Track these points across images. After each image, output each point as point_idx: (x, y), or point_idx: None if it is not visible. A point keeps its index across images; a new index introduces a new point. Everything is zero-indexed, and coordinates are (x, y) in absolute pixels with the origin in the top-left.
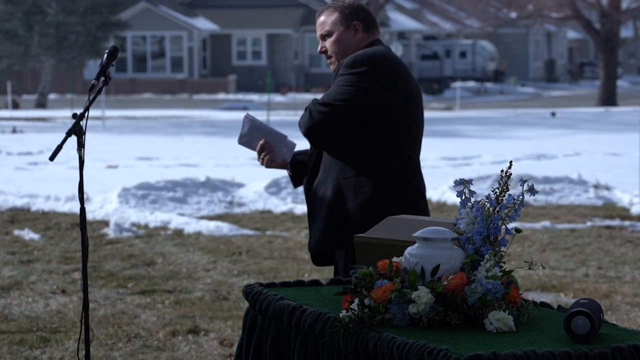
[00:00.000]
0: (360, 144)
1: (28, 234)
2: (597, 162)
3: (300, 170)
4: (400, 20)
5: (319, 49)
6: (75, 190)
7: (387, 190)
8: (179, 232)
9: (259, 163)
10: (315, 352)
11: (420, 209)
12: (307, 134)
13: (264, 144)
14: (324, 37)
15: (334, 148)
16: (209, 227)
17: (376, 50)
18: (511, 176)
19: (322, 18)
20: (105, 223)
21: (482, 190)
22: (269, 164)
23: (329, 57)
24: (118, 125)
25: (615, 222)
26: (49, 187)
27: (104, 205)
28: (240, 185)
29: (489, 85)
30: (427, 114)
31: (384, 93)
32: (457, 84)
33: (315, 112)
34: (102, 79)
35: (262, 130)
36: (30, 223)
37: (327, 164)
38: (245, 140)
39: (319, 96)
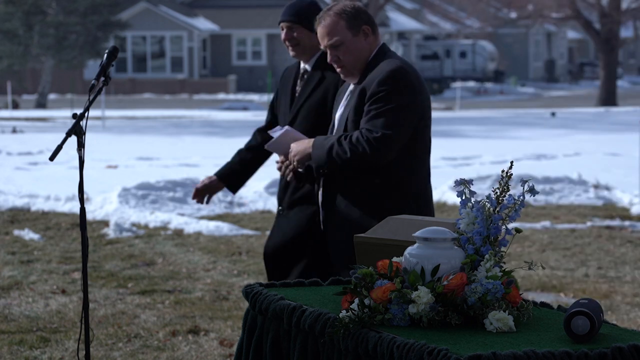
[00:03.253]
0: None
1: (28, 234)
2: (597, 162)
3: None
4: (400, 20)
5: (329, 58)
6: (75, 190)
7: (412, 202)
8: (179, 232)
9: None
10: (315, 352)
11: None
12: (373, 164)
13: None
14: (334, 47)
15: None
16: (209, 227)
17: (404, 63)
18: (512, 176)
19: (325, 27)
20: (105, 223)
21: (482, 190)
22: (295, 173)
23: (340, 67)
24: (118, 125)
25: (615, 222)
26: (49, 187)
27: (104, 205)
28: None
29: (489, 85)
30: None
31: (418, 106)
32: (457, 84)
33: (382, 141)
34: (102, 79)
35: (297, 140)
36: (30, 223)
37: (349, 176)
38: (276, 147)
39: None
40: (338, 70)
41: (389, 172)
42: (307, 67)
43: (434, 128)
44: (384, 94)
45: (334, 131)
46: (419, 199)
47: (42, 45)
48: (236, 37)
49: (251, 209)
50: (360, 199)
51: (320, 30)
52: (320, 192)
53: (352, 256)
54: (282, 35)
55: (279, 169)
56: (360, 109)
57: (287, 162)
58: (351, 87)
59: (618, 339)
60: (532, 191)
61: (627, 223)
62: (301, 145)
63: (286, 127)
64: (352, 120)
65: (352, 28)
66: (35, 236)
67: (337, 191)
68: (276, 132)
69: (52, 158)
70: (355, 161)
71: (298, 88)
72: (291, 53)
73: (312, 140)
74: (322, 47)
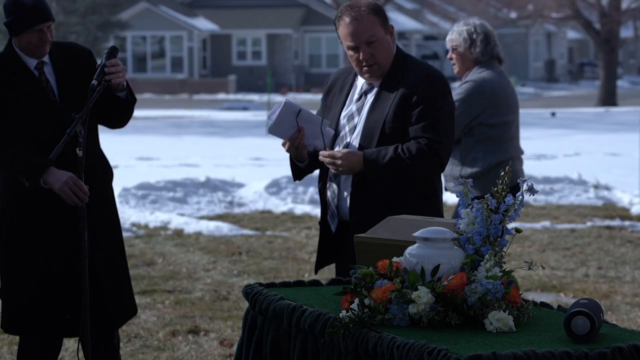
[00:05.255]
0: None
1: None
2: (597, 162)
3: (312, 164)
4: (400, 20)
5: (362, 56)
6: None
7: (439, 203)
8: (179, 232)
9: (259, 162)
10: (315, 352)
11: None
12: (436, 173)
13: (302, 132)
14: (369, 44)
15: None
16: (209, 227)
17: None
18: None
19: (360, 23)
20: None
21: None
22: (299, 151)
23: (370, 65)
24: None
25: (615, 222)
26: None
27: None
28: (240, 185)
29: None
30: None
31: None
32: (457, 84)
33: (444, 150)
34: (103, 79)
35: (300, 117)
36: None
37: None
38: (279, 129)
39: (318, 96)
40: (366, 69)
41: (430, 177)
42: (46, 60)
43: None
44: (435, 100)
45: (356, 132)
46: (441, 201)
47: None
48: (236, 37)
49: (251, 209)
50: (399, 203)
51: (353, 26)
52: (340, 195)
53: None
54: (43, 37)
55: (288, 149)
56: (401, 114)
57: (298, 140)
58: (362, 86)
59: (618, 339)
60: (532, 190)
61: (627, 223)
62: (353, 156)
63: (284, 101)
64: (390, 126)
65: (383, 25)
66: None
67: (370, 195)
68: (275, 112)
69: (52, 158)
70: (419, 172)
71: (50, 79)
72: (45, 51)
73: (358, 152)
74: (350, 44)
